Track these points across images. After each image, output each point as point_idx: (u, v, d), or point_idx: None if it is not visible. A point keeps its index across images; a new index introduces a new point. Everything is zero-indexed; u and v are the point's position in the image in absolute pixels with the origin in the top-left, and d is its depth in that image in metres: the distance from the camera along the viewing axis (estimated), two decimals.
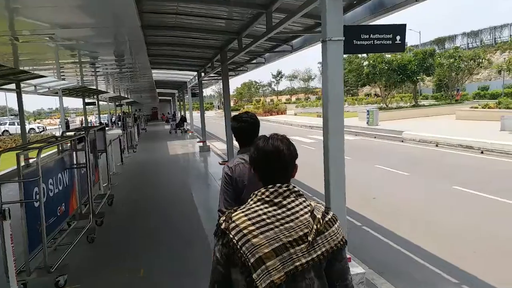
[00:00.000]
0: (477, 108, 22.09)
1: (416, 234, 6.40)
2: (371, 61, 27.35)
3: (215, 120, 40.50)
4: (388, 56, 26.94)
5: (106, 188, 8.66)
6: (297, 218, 1.44)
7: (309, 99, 64.18)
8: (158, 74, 19.55)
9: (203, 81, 18.22)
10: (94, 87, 21.09)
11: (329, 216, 1.50)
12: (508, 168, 11.12)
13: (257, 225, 1.42)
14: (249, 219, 1.43)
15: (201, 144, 17.37)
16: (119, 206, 8.35)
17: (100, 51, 8.35)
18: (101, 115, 36.44)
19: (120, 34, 6.32)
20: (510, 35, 50.76)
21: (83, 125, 26.66)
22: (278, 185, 1.50)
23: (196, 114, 32.00)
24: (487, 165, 11.69)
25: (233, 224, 1.44)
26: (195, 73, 18.41)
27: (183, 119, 27.95)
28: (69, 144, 6.58)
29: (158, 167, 13.59)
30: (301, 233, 1.43)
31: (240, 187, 2.51)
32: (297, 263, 1.41)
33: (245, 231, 1.41)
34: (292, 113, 47.18)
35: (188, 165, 13.94)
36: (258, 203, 1.48)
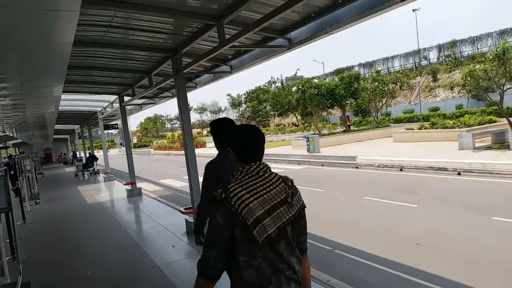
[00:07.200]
0: (413, 129, 21.86)
1: None
2: (300, 86, 26.14)
3: (122, 159, 35.69)
4: (315, 81, 26.07)
5: (13, 271, 4.97)
6: (277, 186, 1.87)
7: None
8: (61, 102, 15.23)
9: (127, 106, 14.50)
10: None
11: (293, 182, 1.98)
12: None
13: (251, 193, 1.78)
14: (244, 189, 1.79)
15: (128, 186, 13.62)
16: None
17: None
18: None
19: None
20: (401, 65, 56.45)
21: None
22: (258, 163, 1.91)
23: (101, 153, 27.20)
24: (494, 188, 10.19)
25: (232, 194, 1.76)
26: (114, 97, 14.63)
27: (93, 158, 23.23)
28: None
29: (81, 224, 9.61)
30: (282, 197, 1.84)
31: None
32: (284, 219, 1.82)
33: (243, 198, 1.76)
34: (213, 145, 44.14)
35: (124, 219, 10.00)
36: (246, 177, 1.85)
